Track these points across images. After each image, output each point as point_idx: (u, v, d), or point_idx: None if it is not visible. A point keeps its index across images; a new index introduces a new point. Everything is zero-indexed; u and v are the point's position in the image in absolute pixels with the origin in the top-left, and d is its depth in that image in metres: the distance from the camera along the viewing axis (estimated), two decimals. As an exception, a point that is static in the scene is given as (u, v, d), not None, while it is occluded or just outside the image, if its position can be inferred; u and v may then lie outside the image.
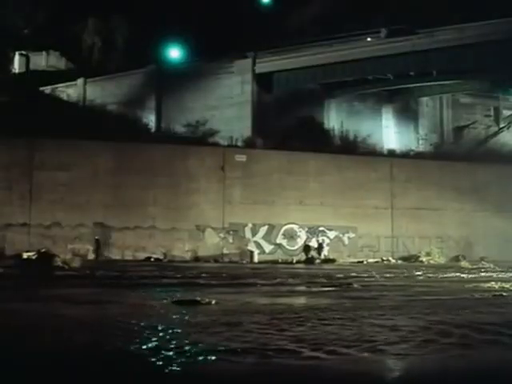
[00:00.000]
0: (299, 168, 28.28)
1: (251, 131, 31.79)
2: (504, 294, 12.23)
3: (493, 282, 15.21)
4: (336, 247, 28.23)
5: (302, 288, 13.78)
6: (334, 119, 35.34)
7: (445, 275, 18.68)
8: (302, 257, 27.30)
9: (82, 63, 43.04)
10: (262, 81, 33.65)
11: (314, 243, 27.90)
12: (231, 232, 27.26)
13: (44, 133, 24.71)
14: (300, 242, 28.02)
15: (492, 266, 23.24)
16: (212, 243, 27.03)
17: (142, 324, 7.76)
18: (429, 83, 34.48)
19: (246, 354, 5.94)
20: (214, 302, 9.98)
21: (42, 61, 44.14)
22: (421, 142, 36.68)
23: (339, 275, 17.75)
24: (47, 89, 37.09)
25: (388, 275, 18.37)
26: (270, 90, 33.75)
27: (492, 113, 39.76)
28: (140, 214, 26.28)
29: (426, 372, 5.47)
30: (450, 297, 11.87)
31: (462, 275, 18.61)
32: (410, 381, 5.31)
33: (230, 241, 27.28)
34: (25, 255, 22.89)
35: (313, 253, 27.40)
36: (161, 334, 7.05)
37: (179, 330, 7.39)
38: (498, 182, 29.87)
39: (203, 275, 17.38)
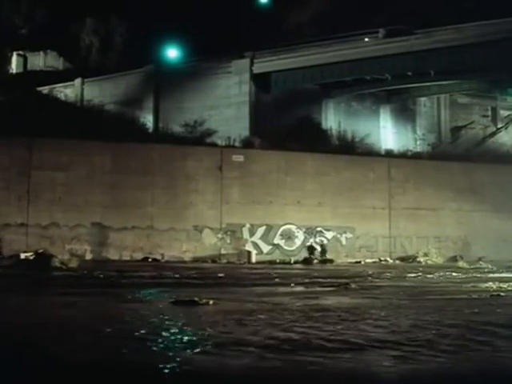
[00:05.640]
0: (297, 168, 28.27)
1: (249, 131, 31.78)
2: (502, 294, 12.25)
3: (490, 282, 15.24)
4: (334, 247, 28.20)
5: (300, 288, 13.78)
6: (332, 119, 35.34)
7: (442, 275, 18.70)
8: (300, 257, 27.28)
9: (79, 63, 43.03)
10: (260, 81, 33.63)
11: (315, 244, 27.83)
12: (229, 232, 27.23)
13: (42, 133, 24.67)
14: (298, 242, 27.99)
15: (490, 266, 23.27)
16: (210, 243, 27.00)
17: (140, 324, 7.76)
18: (427, 83, 34.50)
19: (244, 354, 5.94)
20: (211, 302, 9.98)
21: (39, 61, 44.10)
22: (418, 142, 36.69)
23: (336, 275, 17.75)
24: (45, 89, 37.01)
25: (385, 275, 18.38)
26: (268, 90, 33.73)
27: (490, 113, 39.80)
28: (138, 214, 26.24)
29: (420, 374, 5.47)
30: (448, 297, 11.89)
31: (460, 275, 18.62)
32: (403, 382, 5.32)
33: (228, 241, 27.25)
34: (22, 255, 22.90)
35: (316, 253, 27.34)
36: (159, 334, 7.05)
37: (177, 330, 7.39)
38: (495, 183, 29.88)
39: (201, 275, 17.38)
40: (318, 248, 27.62)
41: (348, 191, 28.45)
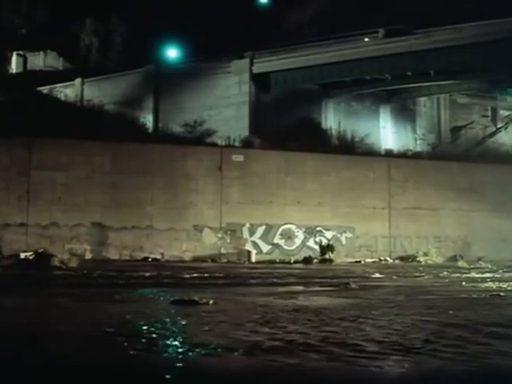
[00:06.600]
0: (297, 168, 28.27)
1: (249, 131, 31.79)
2: (501, 293, 12.26)
3: (490, 282, 15.26)
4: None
5: (299, 288, 13.79)
6: (332, 119, 35.35)
7: (442, 275, 18.71)
8: (300, 257, 27.28)
9: (79, 63, 43.05)
10: (260, 81, 33.65)
11: (320, 244, 27.76)
12: (229, 232, 27.24)
13: (42, 133, 24.68)
14: (298, 241, 28.00)
15: (489, 265, 23.28)
16: (210, 243, 27.01)
17: (140, 324, 7.77)
18: (426, 83, 34.51)
19: (243, 354, 5.96)
20: (211, 301, 10.00)
21: (39, 61, 44.13)
22: (418, 142, 36.71)
23: (336, 275, 17.77)
24: (45, 89, 37.02)
25: (385, 275, 18.39)
26: (268, 90, 33.74)
27: (489, 113, 39.83)
28: (138, 213, 26.25)
29: (417, 375, 5.47)
30: (448, 297, 11.90)
31: (460, 275, 18.63)
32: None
33: (228, 241, 27.26)
34: (22, 255, 22.90)
35: (328, 253, 27.25)
36: (159, 333, 7.06)
37: (177, 329, 7.40)
38: (495, 182, 29.88)
39: (201, 275, 17.39)
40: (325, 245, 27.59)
41: (348, 191, 28.45)
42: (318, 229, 28.24)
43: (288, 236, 27.95)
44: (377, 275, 18.33)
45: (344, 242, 28.50)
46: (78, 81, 39.18)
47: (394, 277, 17.90)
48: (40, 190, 25.22)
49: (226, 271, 19.24)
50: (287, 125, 31.25)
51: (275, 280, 16.18)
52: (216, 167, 27.26)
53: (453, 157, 31.50)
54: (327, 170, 28.66)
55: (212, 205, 27.00)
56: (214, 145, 28.95)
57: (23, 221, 24.87)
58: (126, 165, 26.31)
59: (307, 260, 26.54)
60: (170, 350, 6.15)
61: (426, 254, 28.43)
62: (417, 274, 18.90)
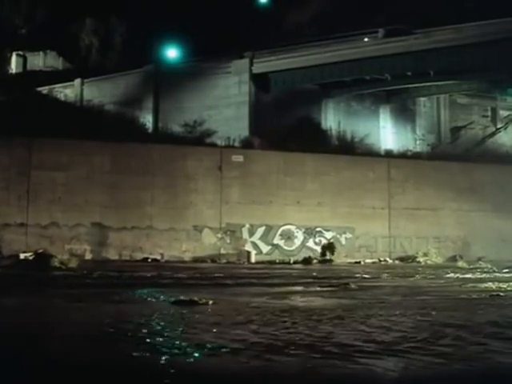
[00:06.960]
0: (296, 168, 28.28)
1: (249, 131, 31.80)
2: (501, 294, 12.27)
3: (490, 282, 15.26)
4: (333, 247, 28.18)
5: (299, 288, 13.80)
6: (332, 119, 35.36)
7: (442, 275, 18.71)
8: (300, 257, 27.28)
9: (79, 63, 43.05)
10: (260, 81, 33.65)
11: (322, 244, 27.78)
12: (228, 232, 27.24)
13: (42, 133, 24.68)
14: (297, 242, 28.01)
15: (489, 266, 23.28)
16: (209, 243, 27.01)
17: (141, 323, 7.78)
18: (426, 83, 34.53)
19: (243, 354, 5.96)
20: (211, 302, 10.01)
21: (39, 61, 44.12)
22: (418, 142, 36.73)
23: (336, 276, 17.78)
24: (45, 89, 37.00)
25: (385, 276, 18.40)
26: (268, 90, 33.74)
27: (489, 113, 39.85)
28: (137, 214, 26.25)
29: (416, 375, 5.47)
30: (447, 297, 11.91)
31: (459, 275, 18.63)
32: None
33: (228, 241, 27.26)
34: (22, 255, 22.90)
35: (328, 253, 27.26)
36: (159, 333, 7.06)
37: (178, 330, 7.41)
38: (495, 183, 29.90)
39: (200, 275, 17.40)
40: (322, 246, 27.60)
41: (348, 191, 28.46)
42: (318, 229, 28.24)
43: (288, 236, 27.96)
44: (376, 276, 18.34)
45: (344, 242, 28.50)
46: (77, 81, 39.16)
47: (394, 277, 17.90)
48: (40, 189, 25.22)
49: (226, 272, 19.25)
50: (287, 125, 31.25)
51: (275, 280, 16.18)
52: (216, 167, 27.26)
53: (453, 157, 31.51)
54: (327, 170, 28.67)
55: (212, 205, 27.01)
56: (214, 145, 28.96)
57: (23, 221, 24.87)
58: (126, 165, 26.32)
59: (307, 260, 26.54)
60: (170, 350, 6.15)
61: (425, 255, 28.44)
62: (416, 275, 18.89)
